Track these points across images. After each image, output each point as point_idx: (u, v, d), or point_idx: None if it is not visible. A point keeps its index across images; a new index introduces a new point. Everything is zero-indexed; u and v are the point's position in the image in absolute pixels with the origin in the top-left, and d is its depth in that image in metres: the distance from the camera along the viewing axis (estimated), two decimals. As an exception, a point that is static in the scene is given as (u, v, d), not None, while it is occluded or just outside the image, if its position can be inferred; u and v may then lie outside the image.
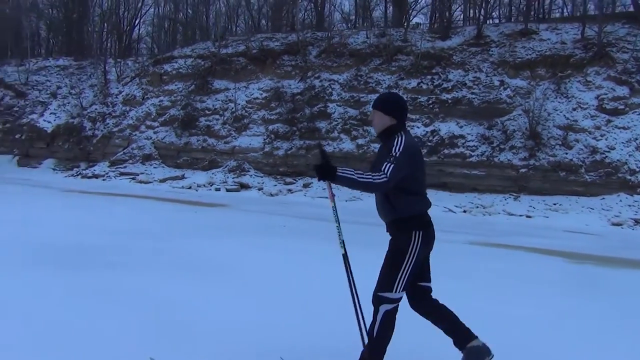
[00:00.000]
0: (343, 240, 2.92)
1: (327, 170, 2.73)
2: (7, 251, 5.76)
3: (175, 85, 24.93)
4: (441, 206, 15.98)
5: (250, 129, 22.01)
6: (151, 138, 23.51)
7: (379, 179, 2.70)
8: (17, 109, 29.70)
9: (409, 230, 2.84)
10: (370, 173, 2.75)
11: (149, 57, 31.30)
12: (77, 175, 22.67)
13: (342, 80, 21.65)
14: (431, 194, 15.26)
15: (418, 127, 19.26)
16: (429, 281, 3.05)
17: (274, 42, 24.82)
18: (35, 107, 29.43)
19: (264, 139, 21.35)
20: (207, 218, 11.63)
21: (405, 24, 23.56)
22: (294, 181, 19.58)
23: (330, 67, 22.33)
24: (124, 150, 23.36)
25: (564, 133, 17.31)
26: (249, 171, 20.45)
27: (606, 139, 16.97)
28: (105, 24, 37.78)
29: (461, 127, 18.87)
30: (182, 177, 20.69)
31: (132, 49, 37.10)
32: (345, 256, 2.93)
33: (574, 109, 17.84)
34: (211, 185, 19.32)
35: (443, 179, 18.08)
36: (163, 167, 22.34)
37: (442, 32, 22.54)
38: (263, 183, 19.68)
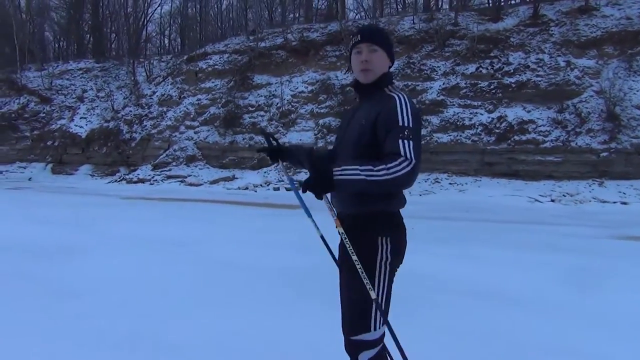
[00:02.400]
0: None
1: (322, 180, 1.81)
2: (267, 277, 4.81)
3: (213, 82, 24.01)
4: (524, 196, 15.12)
5: (299, 124, 21.10)
6: (192, 138, 22.62)
7: (402, 168, 1.79)
8: (44, 114, 28.84)
9: (376, 233, 1.98)
10: (379, 163, 1.81)
11: (174, 56, 30.39)
12: (120, 180, 21.79)
13: (394, 68, 20.61)
14: (503, 184, 14.42)
15: (482, 114, 18.34)
16: None
17: (312, 32, 23.85)
18: (62, 112, 28.56)
19: (315, 134, 20.45)
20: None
21: (456, 7, 22.48)
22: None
23: (378, 56, 21.33)
24: (166, 153, 22.47)
25: (644, 113, 16.36)
26: (302, 170, 19.51)
27: (691, 117, 16.04)
28: (123, 24, 36.95)
29: (529, 111, 17.92)
30: (233, 178, 19.80)
31: (145, 48, 36.10)
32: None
33: (652, 87, 16.89)
34: (268, 185, 18.44)
35: (514, 167, 17.18)
36: (208, 168, 21.46)
37: (493, 14, 21.51)
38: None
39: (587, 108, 17.11)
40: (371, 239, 1.98)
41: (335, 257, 2.24)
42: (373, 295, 1.94)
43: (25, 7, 36.81)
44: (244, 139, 21.46)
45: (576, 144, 16.58)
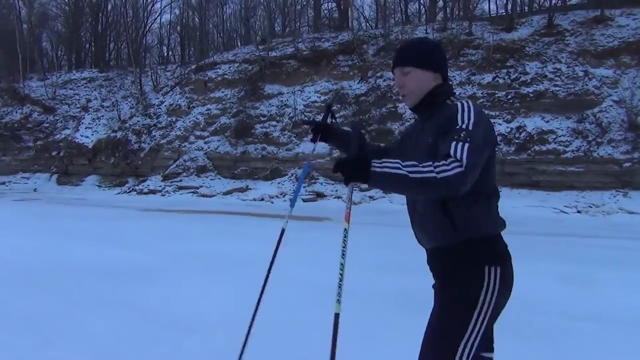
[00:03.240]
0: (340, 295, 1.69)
1: (358, 165, 1.59)
2: (388, 303, 4.40)
3: (222, 92, 23.73)
4: (548, 207, 14.88)
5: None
6: (203, 148, 22.28)
7: (452, 169, 1.57)
8: (47, 124, 28.44)
9: (482, 263, 1.75)
10: (429, 163, 1.60)
11: (179, 65, 30.13)
12: (130, 191, 21.38)
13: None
14: (524, 194, 14.12)
15: (500, 124, 18.15)
16: (493, 350, 2.02)
17: (324, 42, 23.68)
18: (67, 122, 28.17)
19: (330, 144, 20.14)
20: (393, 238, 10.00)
21: (470, 17, 22.41)
22: (369, 187, 18.34)
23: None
24: (176, 163, 22.10)
25: (666, 123, 16.24)
26: (318, 179, 19.23)
27: None
28: (126, 33, 36.67)
29: (547, 121, 17.76)
30: (247, 189, 19.46)
31: (144, 57, 35.71)
32: (336, 317, 1.63)
33: (672, 97, 16.78)
34: (283, 196, 18.10)
35: (535, 178, 16.97)
36: (220, 178, 21.10)
37: (506, 24, 21.44)
38: (337, 191, 18.47)
39: (607, 118, 16.97)
40: (476, 269, 1.74)
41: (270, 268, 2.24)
42: (466, 333, 1.71)
43: (27, 16, 36.47)
44: (255, 149, 21.15)
45: (598, 154, 16.41)
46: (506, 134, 17.81)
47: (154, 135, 23.64)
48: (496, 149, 1.86)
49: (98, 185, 23.15)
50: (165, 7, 37.37)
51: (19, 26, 34.86)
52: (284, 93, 22.35)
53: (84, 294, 4.46)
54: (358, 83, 21.40)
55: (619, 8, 20.21)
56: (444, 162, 1.57)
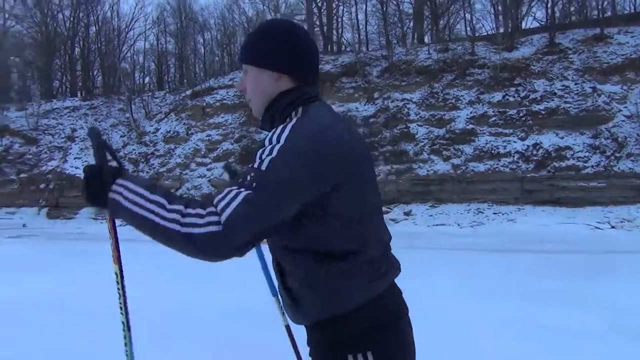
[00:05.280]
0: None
1: (92, 182, 1.17)
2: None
3: (222, 117, 23.09)
4: (579, 223, 14.77)
5: (321, 157, 20.33)
6: (205, 175, 21.47)
7: (200, 224, 1.06)
8: (31, 156, 27.02)
9: (342, 353, 1.25)
10: (180, 206, 1.09)
11: (169, 92, 29.35)
12: (132, 223, 20.26)
13: (417, 99, 20.37)
14: (549, 211, 14.20)
15: (515, 142, 18.15)
16: None
17: (325, 64, 23.42)
18: (52, 153, 26.85)
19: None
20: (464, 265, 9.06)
21: (472, 37, 22.61)
22: (389, 210, 17.94)
23: (398, 87, 21.07)
24: (179, 192, 21.16)
25: (680, 136, 16.54)
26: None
27: None
28: (102, 60, 35.65)
29: (562, 137, 17.84)
30: (259, 216, 18.69)
31: (118, 85, 34.57)
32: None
33: (682, 111, 17.15)
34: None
35: (556, 194, 16.91)
36: (226, 206, 20.27)
37: (506, 43, 21.70)
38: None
39: (622, 133, 17.16)
40: (343, 355, 1.24)
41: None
42: None
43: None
44: (264, 175, 20.49)
45: (618, 168, 16.50)
46: (523, 151, 17.78)
47: (152, 164, 22.69)
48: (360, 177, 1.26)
49: (94, 218, 21.91)
50: (139, 35, 36.24)
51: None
52: (288, 117, 21.89)
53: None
54: (364, 105, 21.15)
55: (615, 26, 20.78)
56: (199, 210, 1.07)
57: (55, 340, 4.21)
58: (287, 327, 1.92)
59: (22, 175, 26.01)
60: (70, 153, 26.17)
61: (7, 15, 34.37)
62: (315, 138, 1.15)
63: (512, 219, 15.94)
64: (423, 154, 18.77)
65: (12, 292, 6.18)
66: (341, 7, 31.27)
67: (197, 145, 22.51)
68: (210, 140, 22.45)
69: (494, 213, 16.64)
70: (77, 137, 27.36)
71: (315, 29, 29.06)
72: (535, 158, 17.52)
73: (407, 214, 17.37)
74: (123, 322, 1.31)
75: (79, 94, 33.85)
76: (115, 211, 1.13)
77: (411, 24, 29.35)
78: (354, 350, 1.22)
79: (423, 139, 19.15)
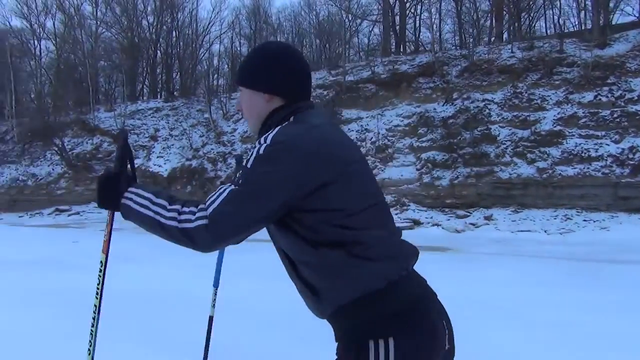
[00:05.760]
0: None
1: (108, 187, 1.35)
2: None
3: (297, 118, 23.33)
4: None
5: (397, 158, 20.05)
6: (281, 176, 21.78)
7: (193, 220, 1.23)
8: (117, 154, 28.64)
9: (363, 338, 1.25)
10: (177, 206, 1.27)
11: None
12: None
13: (498, 99, 19.57)
14: None
15: (608, 145, 16.96)
16: None
17: (401, 65, 23.11)
18: (137, 152, 28.27)
19: (417, 169, 19.32)
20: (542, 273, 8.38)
21: (561, 34, 21.47)
22: (468, 214, 17.34)
23: (479, 87, 20.36)
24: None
25: None
26: (409, 205, 18.33)
27: None
28: (181, 63, 37.20)
29: (662, 141, 16.48)
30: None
31: (194, 87, 35.83)
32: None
33: None
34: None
35: (655, 202, 15.63)
36: (301, 206, 20.46)
37: (598, 40, 20.36)
38: (432, 218, 17.50)
39: None
40: (355, 348, 1.26)
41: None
42: None
43: (90, 50, 37.47)
44: (338, 176, 20.49)
45: None
46: (617, 154, 16.60)
47: (230, 163, 23.32)
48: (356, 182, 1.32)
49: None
50: (215, 38, 37.46)
51: (86, 60, 35.74)
52: (363, 117, 21.77)
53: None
54: (443, 105, 20.61)
55: None
56: (193, 208, 1.26)
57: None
58: (210, 318, 2.16)
59: (110, 172, 27.64)
60: (153, 152, 27.49)
61: (98, 22, 36.57)
62: (300, 137, 1.25)
63: (605, 226, 14.88)
64: (505, 157, 17.99)
65: (152, 282, 6.71)
66: (418, 7, 30.67)
67: (273, 145, 22.91)
68: (286, 140, 22.77)
69: (584, 220, 15.62)
70: (159, 136, 28.71)
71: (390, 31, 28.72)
72: (631, 162, 16.28)
73: (488, 218, 16.69)
74: (95, 305, 1.48)
75: (159, 96, 35.48)
76: (127, 214, 1.33)
77: (487, 23, 28.35)
78: (375, 335, 1.24)
79: (505, 140, 18.36)
